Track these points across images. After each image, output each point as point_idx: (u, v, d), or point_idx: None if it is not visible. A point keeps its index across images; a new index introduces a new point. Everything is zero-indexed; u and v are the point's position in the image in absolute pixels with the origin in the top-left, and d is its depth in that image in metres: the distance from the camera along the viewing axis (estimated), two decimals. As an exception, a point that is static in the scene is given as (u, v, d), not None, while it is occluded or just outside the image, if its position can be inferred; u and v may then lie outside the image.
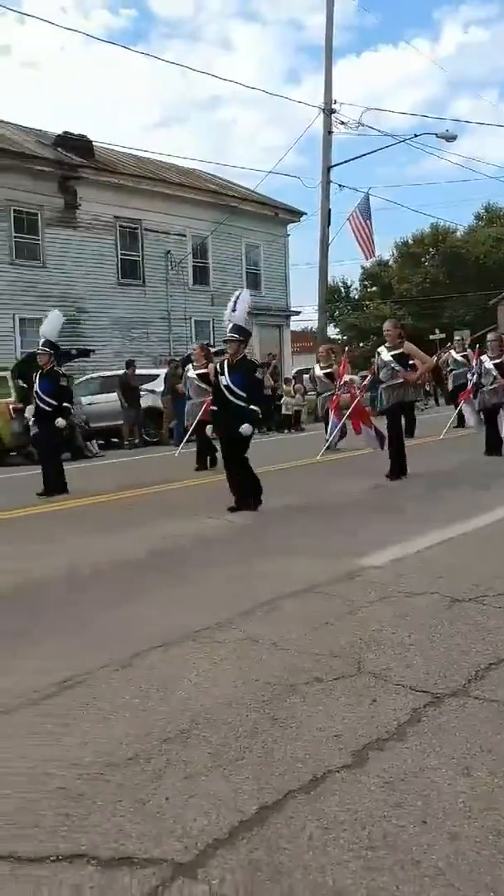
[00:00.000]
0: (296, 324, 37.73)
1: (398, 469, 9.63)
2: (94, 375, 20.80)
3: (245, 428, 7.89)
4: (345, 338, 48.09)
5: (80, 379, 19.71)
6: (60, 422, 10.29)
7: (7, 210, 23.07)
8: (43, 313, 23.89)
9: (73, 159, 24.93)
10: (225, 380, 8.04)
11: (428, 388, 26.93)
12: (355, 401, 11.82)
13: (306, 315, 49.67)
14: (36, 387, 10.49)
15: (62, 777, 2.67)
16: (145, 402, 18.43)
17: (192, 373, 12.75)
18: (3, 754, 2.86)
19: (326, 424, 13.78)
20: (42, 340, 10.84)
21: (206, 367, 11.47)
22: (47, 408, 10.25)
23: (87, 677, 3.58)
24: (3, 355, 21.31)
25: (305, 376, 21.18)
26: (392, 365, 9.75)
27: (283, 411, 22.09)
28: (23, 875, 2.14)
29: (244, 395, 7.96)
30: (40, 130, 26.56)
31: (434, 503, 8.03)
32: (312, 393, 17.88)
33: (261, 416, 8.35)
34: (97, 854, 2.22)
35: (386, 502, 8.35)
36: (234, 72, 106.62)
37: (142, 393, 18.43)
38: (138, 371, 19.06)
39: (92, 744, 2.92)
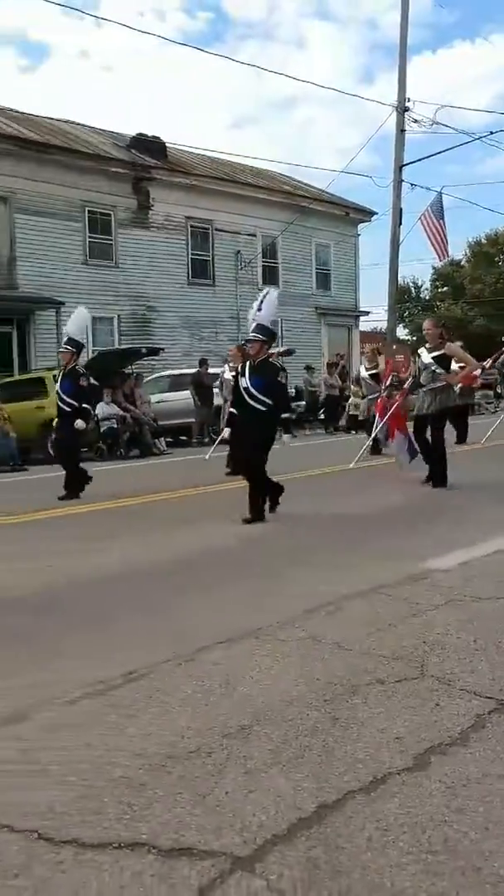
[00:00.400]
0: (365, 324, 37.51)
1: (442, 477, 9.13)
2: (164, 374, 21.04)
3: (287, 439, 7.79)
4: (414, 339, 47.50)
5: (149, 377, 19.97)
6: (80, 423, 9.95)
7: (82, 210, 23.53)
8: (115, 312, 24.60)
9: (146, 160, 25.27)
10: (245, 382, 7.74)
11: (500, 390, 26.47)
12: (394, 405, 11.19)
13: (376, 315, 49.22)
14: (57, 386, 10.26)
15: (125, 767, 2.72)
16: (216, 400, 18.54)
17: (228, 374, 12.28)
18: (69, 743, 2.93)
19: (369, 431, 13.27)
20: (65, 339, 10.46)
21: None
22: (67, 408, 9.98)
23: (151, 670, 3.63)
24: (76, 353, 21.71)
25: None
26: (432, 367, 9.26)
27: (351, 412, 21.96)
28: (86, 860, 2.19)
29: (263, 398, 7.63)
30: (116, 133, 27.02)
31: (491, 509, 7.84)
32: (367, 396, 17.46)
33: (291, 420, 7.90)
34: (157, 844, 2.25)
35: (441, 507, 8.20)
36: (308, 71, 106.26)
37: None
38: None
39: (154, 735, 2.96)
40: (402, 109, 23.22)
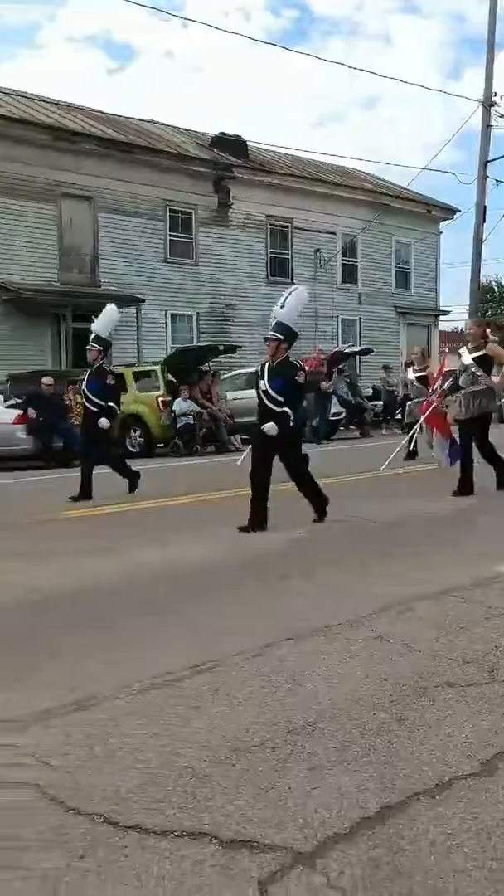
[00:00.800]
0: (445, 324, 36.94)
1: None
2: (241, 371, 21.15)
3: (269, 427, 7.13)
4: (496, 339, 46.56)
5: (227, 375, 20.12)
6: (103, 422, 9.50)
7: (164, 209, 23.84)
8: (194, 310, 24.84)
9: (228, 160, 25.44)
10: (264, 384, 7.31)
11: None
12: (431, 407, 10.69)
13: (456, 315, 48.46)
14: (83, 384, 9.89)
15: (190, 757, 2.75)
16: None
17: None
18: (136, 731, 2.98)
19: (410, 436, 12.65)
20: (92, 336, 9.97)
21: None
22: (93, 407, 9.56)
23: (218, 664, 3.66)
24: (156, 350, 22.04)
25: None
26: (472, 369, 8.75)
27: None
28: (149, 846, 2.22)
29: (283, 400, 7.18)
30: (199, 132, 27.28)
31: None
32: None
33: (291, 420, 7.20)
34: (219, 834, 2.27)
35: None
36: (394, 67, 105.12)
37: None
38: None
39: (220, 728, 2.98)
40: (488, 104, 22.76)
